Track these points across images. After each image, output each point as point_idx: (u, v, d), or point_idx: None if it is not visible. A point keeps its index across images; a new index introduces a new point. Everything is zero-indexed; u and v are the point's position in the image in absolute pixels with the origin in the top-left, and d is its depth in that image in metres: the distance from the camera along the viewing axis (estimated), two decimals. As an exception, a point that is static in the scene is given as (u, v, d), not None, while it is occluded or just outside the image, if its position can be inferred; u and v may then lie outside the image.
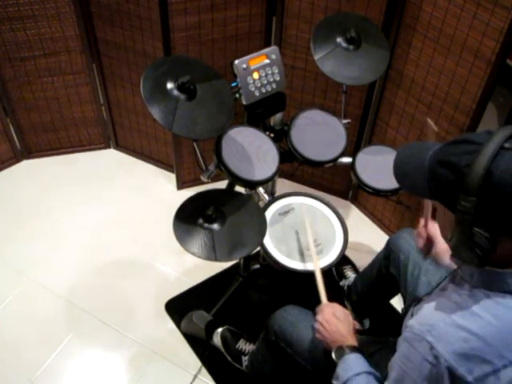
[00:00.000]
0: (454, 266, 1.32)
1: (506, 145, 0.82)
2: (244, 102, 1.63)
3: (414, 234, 1.62)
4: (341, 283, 2.07)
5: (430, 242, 1.38)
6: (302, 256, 1.59)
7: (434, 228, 1.37)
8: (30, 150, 2.64)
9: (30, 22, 2.21)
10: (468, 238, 0.86)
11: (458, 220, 0.86)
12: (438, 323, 0.90)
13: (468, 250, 0.88)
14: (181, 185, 2.56)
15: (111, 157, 2.71)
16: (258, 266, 2.09)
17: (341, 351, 1.21)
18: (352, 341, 1.24)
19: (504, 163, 0.81)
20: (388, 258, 1.65)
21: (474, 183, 0.81)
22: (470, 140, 0.86)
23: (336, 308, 1.32)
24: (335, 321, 1.27)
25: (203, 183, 1.80)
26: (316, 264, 1.49)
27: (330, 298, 1.39)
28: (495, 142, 0.82)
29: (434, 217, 1.46)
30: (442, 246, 1.35)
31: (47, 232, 2.32)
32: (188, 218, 1.53)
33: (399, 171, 0.99)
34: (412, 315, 1.05)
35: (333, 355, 1.22)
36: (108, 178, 2.59)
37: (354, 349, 1.21)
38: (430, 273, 1.49)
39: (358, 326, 1.33)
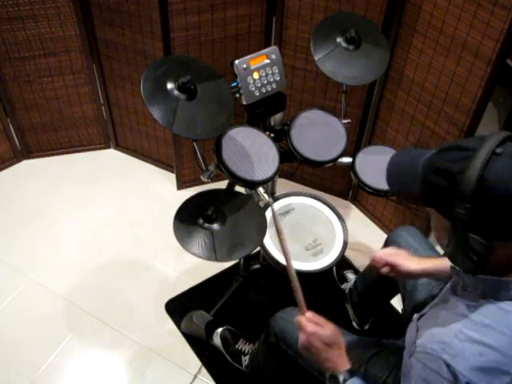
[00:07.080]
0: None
1: (498, 150, 0.82)
2: (244, 102, 1.63)
3: (413, 231, 1.63)
4: (342, 286, 2.06)
5: (393, 268, 1.38)
6: (303, 256, 1.59)
7: (387, 255, 1.39)
8: (30, 150, 2.64)
9: (29, 22, 2.21)
10: (463, 244, 0.87)
11: (453, 226, 0.87)
12: (451, 340, 0.89)
13: (463, 256, 0.88)
14: (181, 185, 2.56)
15: (111, 157, 2.71)
16: (258, 265, 2.09)
17: (335, 381, 1.11)
18: (344, 363, 1.12)
19: (496, 168, 0.81)
20: None
21: (467, 190, 0.82)
22: (462, 146, 0.86)
23: (320, 329, 1.13)
24: (324, 347, 1.12)
25: (203, 183, 1.81)
26: (290, 265, 1.29)
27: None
28: (487, 147, 0.82)
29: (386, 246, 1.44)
30: (408, 265, 1.35)
31: (47, 232, 2.32)
32: (188, 218, 1.53)
33: (393, 179, 0.99)
34: (417, 330, 1.03)
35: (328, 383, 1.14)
36: (108, 177, 2.59)
37: (347, 373, 1.11)
38: None
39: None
